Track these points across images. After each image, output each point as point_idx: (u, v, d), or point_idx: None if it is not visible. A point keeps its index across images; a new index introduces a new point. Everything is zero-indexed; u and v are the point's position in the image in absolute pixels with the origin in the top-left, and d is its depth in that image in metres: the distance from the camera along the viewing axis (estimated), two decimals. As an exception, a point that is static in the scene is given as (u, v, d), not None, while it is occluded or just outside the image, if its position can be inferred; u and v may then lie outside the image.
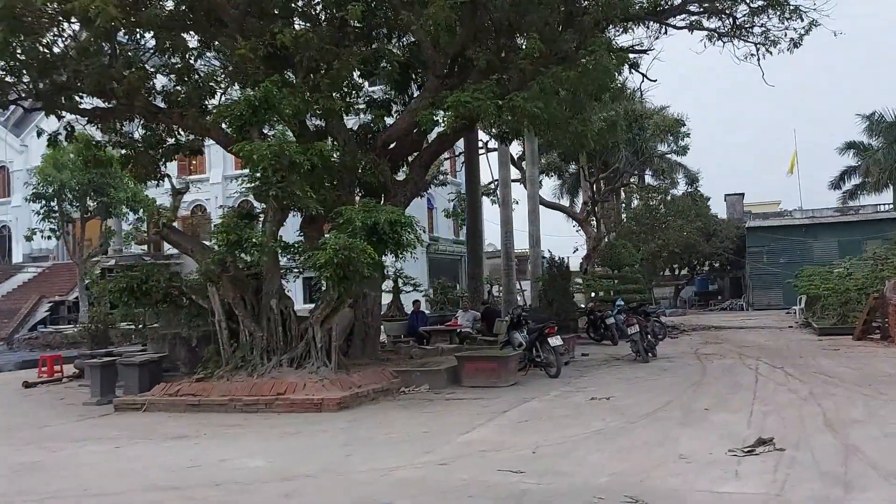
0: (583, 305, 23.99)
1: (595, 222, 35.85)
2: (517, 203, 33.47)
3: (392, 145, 18.03)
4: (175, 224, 12.88)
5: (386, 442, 8.76)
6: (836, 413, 9.10)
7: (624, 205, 43.33)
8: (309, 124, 17.18)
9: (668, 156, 39.22)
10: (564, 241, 77.46)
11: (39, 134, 18.88)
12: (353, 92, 16.00)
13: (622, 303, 20.96)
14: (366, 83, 18.16)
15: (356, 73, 16.49)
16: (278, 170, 11.93)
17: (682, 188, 43.28)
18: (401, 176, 17.92)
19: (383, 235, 12.06)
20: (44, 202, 39.11)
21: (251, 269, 13.35)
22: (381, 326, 22.40)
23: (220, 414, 11.53)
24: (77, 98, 17.29)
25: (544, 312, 18.74)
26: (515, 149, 33.10)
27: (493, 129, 18.79)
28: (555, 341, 14.00)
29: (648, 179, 43.27)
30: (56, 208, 39.17)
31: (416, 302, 20.29)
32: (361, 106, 18.11)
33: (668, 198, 41.10)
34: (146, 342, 16.10)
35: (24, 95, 16.45)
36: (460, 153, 37.08)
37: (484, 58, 14.98)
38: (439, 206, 44.15)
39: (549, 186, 53.33)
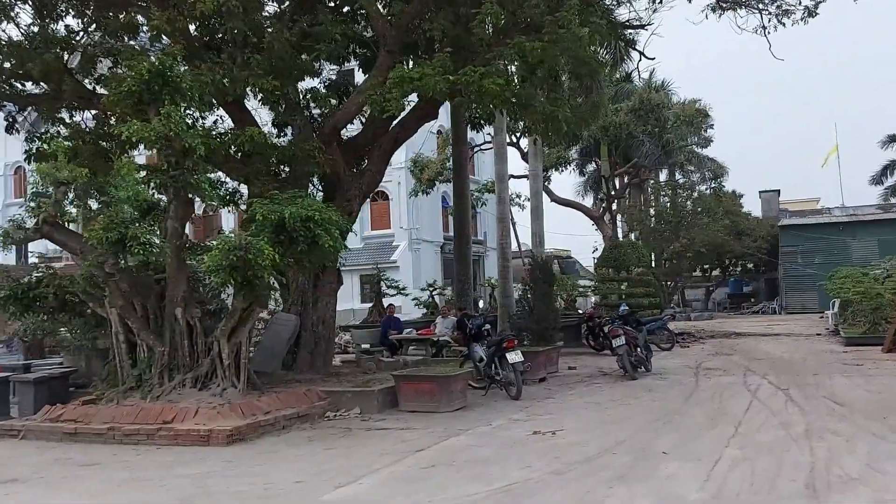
0: (581, 311, 21.83)
1: (610, 220, 33.49)
2: (527, 200, 31.48)
3: (356, 134, 16.23)
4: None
5: (234, 496, 6.85)
6: (828, 464, 6.91)
7: (653, 199, 40.79)
8: (257, 109, 15.46)
9: (692, 148, 36.58)
10: (584, 240, 74.62)
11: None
12: (298, 72, 14.05)
13: (626, 308, 18.73)
14: (321, 64, 16.19)
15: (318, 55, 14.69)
16: (169, 155, 10.10)
17: (712, 184, 40.63)
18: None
19: (294, 234, 10.13)
20: (42, 200, 38.28)
21: (162, 273, 11.57)
22: (349, 334, 20.64)
23: (96, 445, 9.74)
24: (19, 85, 15.86)
25: (509, 320, 16.68)
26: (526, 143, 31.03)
27: (465, 112, 16.68)
28: (513, 357, 11.94)
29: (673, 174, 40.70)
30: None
31: (389, 306, 18.37)
32: (321, 89, 16.26)
33: (695, 194, 38.58)
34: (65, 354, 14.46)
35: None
36: (476, 147, 35.25)
37: (439, 28, 12.99)
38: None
39: (572, 183, 50.82)
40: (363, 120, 16.20)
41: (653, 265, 34.75)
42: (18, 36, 14.64)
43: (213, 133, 12.58)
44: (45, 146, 16.40)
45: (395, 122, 15.22)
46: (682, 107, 33.73)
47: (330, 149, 14.19)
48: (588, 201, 40.72)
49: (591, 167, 40.96)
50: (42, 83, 14.96)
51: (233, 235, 9.94)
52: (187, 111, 13.38)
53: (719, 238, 36.35)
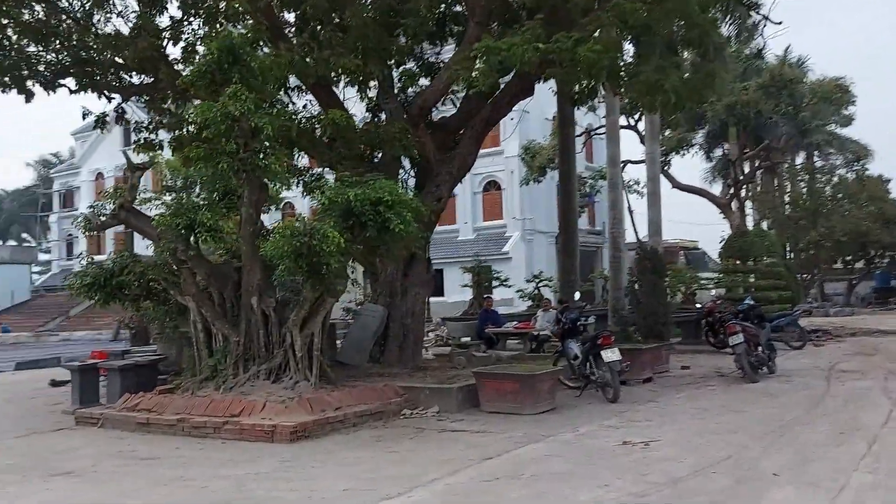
0: (699, 305, 20.11)
1: (738, 208, 31.07)
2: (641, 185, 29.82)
3: (449, 116, 15.43)
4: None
5: (271, 503, 6.23)
6: None
7: (787, 184, 37.65)
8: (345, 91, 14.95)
9: (831, 128, 33.35)
10: (712, 231, 70.21)
11: (84, 115, 17.95)
12: (384, 51, 13.37)
13: (750, 302, 17.01)
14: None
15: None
16: (237, 137, 9.65)
17: (854, 167, 37.02)
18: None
19: (362, 218, 9.45)
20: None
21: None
22: (444, 327, 19.92)
23: (166, 437, 9.48)
24: (125, 76, 16.14)
25: (614, 315, 15.36)
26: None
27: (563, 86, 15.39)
28: (609, 355, 10.79)
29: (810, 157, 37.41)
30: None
31: (486, 298, 17.49)
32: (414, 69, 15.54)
33: (835, 178, 35.31)
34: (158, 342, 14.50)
35: (50, 72, 15.27)
36: (592, 131, 33.75)
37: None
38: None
39: (699, 169, 47.79)
40: (456, 102, 15.41)
41: (787, 256, 32.08)
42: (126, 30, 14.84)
43: (293, 116, 12.14)
44: (152, 136, 16.70)
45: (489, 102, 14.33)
46: (819, 83, 30.71)
47: (418, 131, 13.48)
48: (717, 189, 38.17)
49: (719, 151, 38.38)
50: (139, 72, 15.08)
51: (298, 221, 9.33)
52: (278, 96, 13.09)
53: (863, 226, 33.06)
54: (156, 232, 10.64)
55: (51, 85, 15.55)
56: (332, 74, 12.86)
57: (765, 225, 34.58)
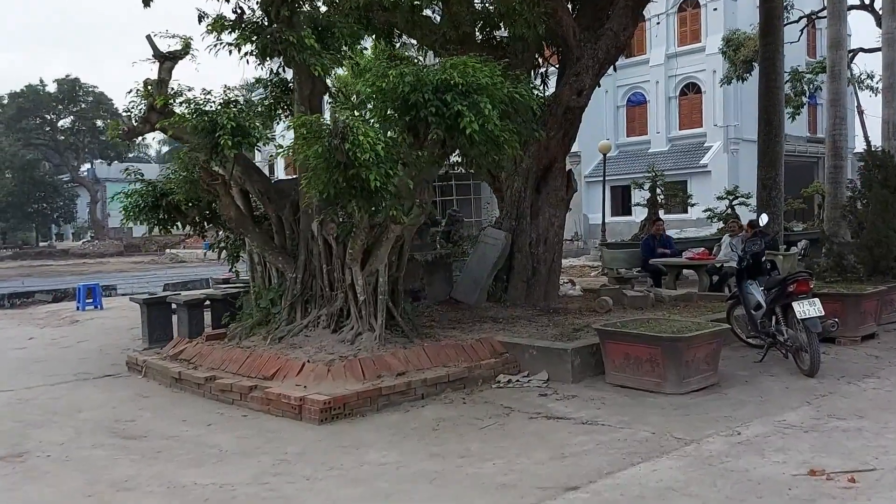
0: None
1: None
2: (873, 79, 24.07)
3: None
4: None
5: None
6: None
7: None
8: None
9: None
10: None
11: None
12: None
13: None
14: None
15: None
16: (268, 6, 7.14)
17: None
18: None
19: (422, 111, 6.61)
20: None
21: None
22: (602, 256, 16.66)
23: (193, 399, 7.55)
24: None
25: (828, 244, 11.28)
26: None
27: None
28: (805, 309, 7.26)
29: None
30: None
31: (657, 221, 13.98)
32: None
33: None
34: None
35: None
36: (815, 14, 27.93)
37: None
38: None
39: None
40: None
41: None
42: None
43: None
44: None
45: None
46: None
47: (548, 2, 10.22)
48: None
49: None
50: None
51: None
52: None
53: None
54: (197, 141, 8.46)
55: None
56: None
57: None
